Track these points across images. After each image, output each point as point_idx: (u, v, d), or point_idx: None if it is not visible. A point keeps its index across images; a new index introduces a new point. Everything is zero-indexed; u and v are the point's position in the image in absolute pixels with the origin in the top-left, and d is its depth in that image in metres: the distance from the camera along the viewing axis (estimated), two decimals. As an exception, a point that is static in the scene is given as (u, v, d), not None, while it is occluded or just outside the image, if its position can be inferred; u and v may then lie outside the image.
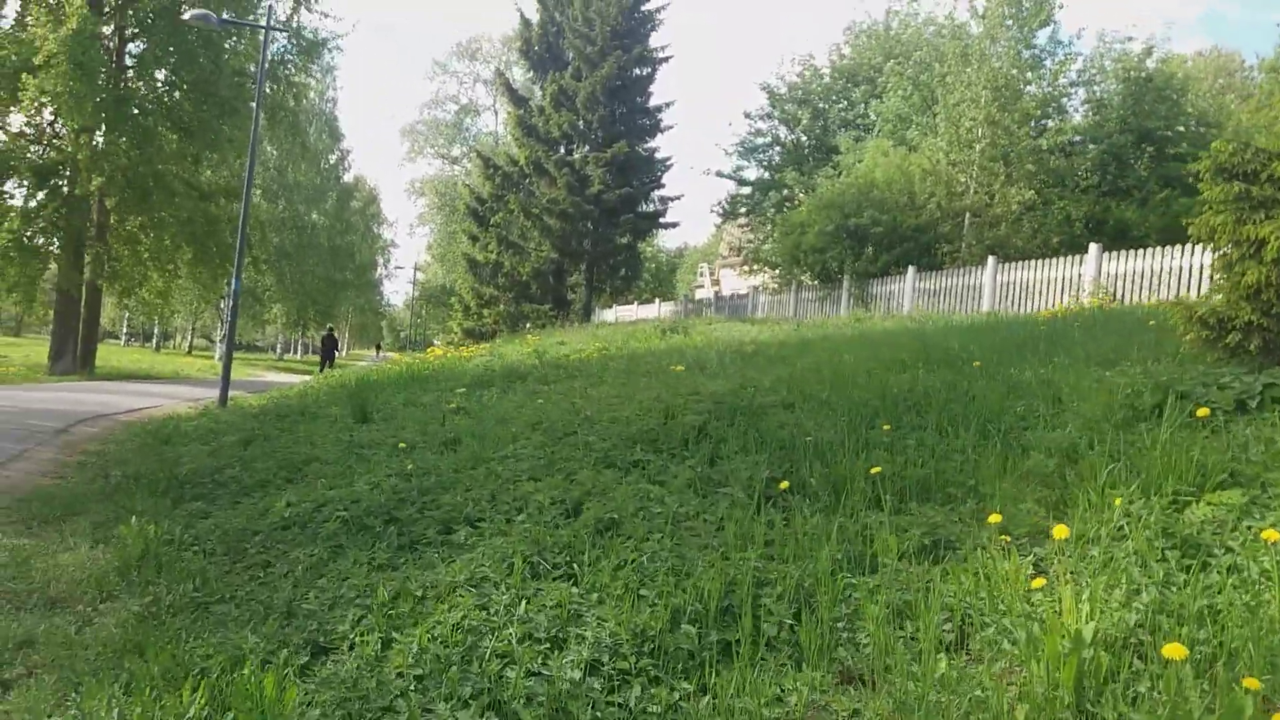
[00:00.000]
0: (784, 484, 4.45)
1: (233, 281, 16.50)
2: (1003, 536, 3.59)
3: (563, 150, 33.01)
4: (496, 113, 62.36)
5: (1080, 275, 16.62)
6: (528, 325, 32.30)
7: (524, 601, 3.39)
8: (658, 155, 33.28)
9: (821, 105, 32.96)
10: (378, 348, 74.17)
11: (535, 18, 34.18)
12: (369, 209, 71.43)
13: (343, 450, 7.62)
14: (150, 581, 4.86)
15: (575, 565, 3.77)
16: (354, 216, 66.56)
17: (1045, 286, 17.37)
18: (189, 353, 60.70)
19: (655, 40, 33.24)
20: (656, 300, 36.49)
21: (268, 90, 31.84)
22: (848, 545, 3.96)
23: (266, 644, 3.62)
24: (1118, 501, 3.60)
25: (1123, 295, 15.52)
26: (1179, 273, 14.65)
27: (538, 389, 9.96)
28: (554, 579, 3.72)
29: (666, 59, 33.12)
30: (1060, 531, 3.23)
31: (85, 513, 6.84)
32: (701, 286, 53.61)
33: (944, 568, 3.65)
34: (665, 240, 62.55)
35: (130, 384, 25.41)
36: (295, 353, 78.08)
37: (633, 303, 37.00)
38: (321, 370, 30.48)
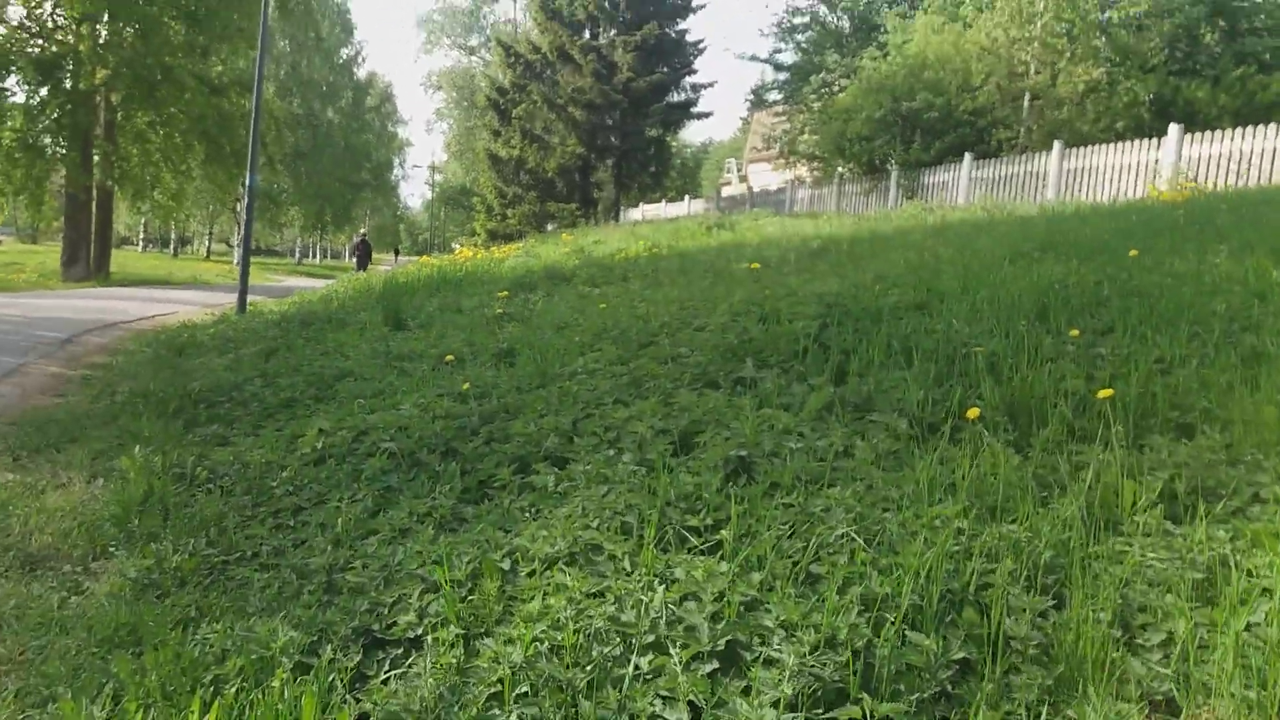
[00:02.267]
0: (974, 411, 3.41)
1: (249, 178, 15.35)
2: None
3: (588, 35, 31.19)
4: None
5: (1158, 160, 15.33)
6: (553, 225, 31.04)
7: (661, 586, 2.41)
8: (689, 38, 31.41)
9: (866, -22, 30.84)
10: (396, 252, 72.93)
11: (556, -111, 31.94)
12: (384, 106, 69.36)
13: (379, 363, 6.64)
14: (153, 533, 3.93)
15: (720, 529, 2.76)
16: (369, 114, 64.69)
17: (1117, 173, 16.16)
18: (207, 258, 59.71)
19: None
20: (686, 198, 34.99)
21: (278, -24, 30.13)
22: (1070, 495, 2.95)
23: (303, 635, 2.67)
24: None
25: (1207, 181, 14.26)
26: (1276, 154, 13.36)
27: (588, 292, 8.90)
28: (691, 550, 2.73)
29: (697, -76, 30.93)
30: None
31: (84, 439, 5.91)
32: (729, 183, 51.77)
33: (1231, 528, 2.63)
34: (689, 135, 60.55)
35: (145, 290, 24.53)
36: (314, 257, 77.02)
37: (661, 201, 35.54)
38: (357, 273, 29.47)
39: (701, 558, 2.61)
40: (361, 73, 64.22)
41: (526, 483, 3.58)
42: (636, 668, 2.15)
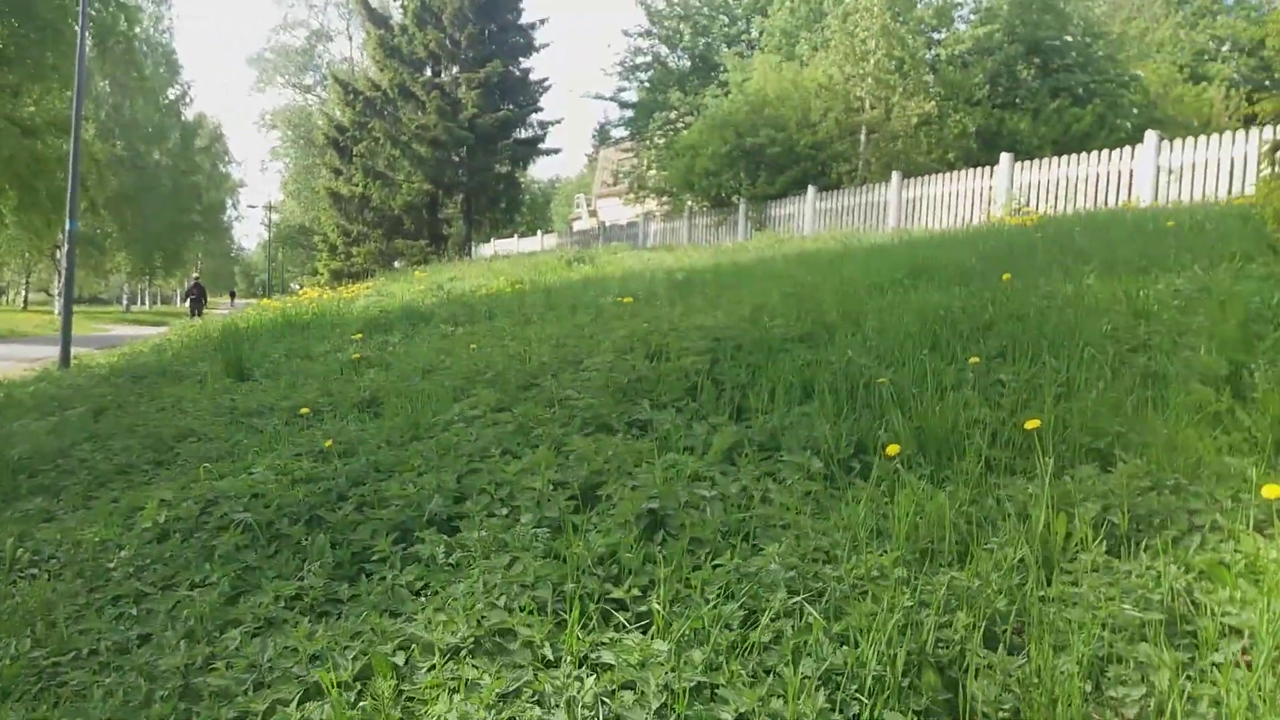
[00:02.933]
0: (894, 448, 3.23)
1: (68, 224, 14.18)
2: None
3: (430, 72, 30.69)
4: (351, 38, 58.79)
5: (992, 187, 16.11)
6: (401, 263, 30.21)
7: (592, 675, 2.09)
8: (533, 76, 31.38)
9: (703, 21, 31.45)
10: (232, 295, 69.82)
11: (391, -73, 31.49)
12: (214, 147, 66.51)
13: (224, 420, 6.04)
14: (-36, 636, 3.32)
15: (647, 598, 2.45)
16: (199, 155, 61.89)
17: (955, 200, 16.94)
18: (24, 308, 55.49)
19: (523, -49, 31.04)
20: (539, 233, 34.76)
21: (94, 11, 28.39)
22: (1008, 534, 2.79)
23: (157, 761, 2.21)
24: None
25: (1037, 206, 15.05)
26: (1098, 179, 14.20)
27: (451, 332, 8.48)
28: (619, 626, 2.40)
29: (537, -29, 31.04)
30: None
31: (-124, 523, 5.10)
32: (579, 218, 51.83)
33: (1178, 561, 2.51)
34: (537, 172, 60.50)
35: (-48, 346, 22.41)
36: (144, 304, 72.84)
37: (513, 236, 35.17)
38: (191, 319, 27.81)
39: (632, 635, 2.29)
40: (189, 113, 61.50)
41: (411, 553, 3.18)
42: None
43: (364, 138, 31.12)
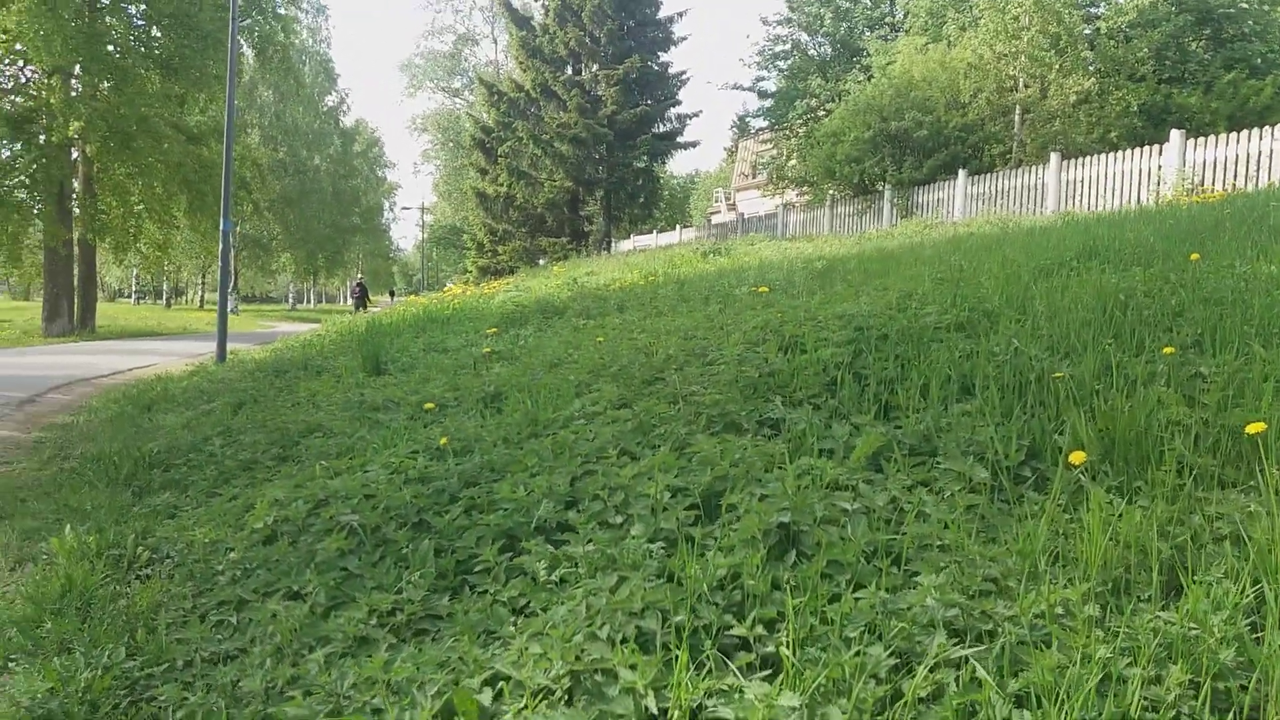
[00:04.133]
0: (1079, 455, 2.72)
1: (222, 223, 14.72)
2: None
3: (570, 70, 30.82)
4: (495, 41, 60.07)
5: (1160, 166, 14.91)
6: (544, 259, 30.50)
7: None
8: (672, 70, 31.05)
9: (844, 4, 30.46)
10: (391, 293, 72.54)
11: (532, -72, 31.79)
12: (371, 151, 69.18)
13: (351, 415, 5.94)
14: (65, 639, 3.21)
15: (773, 634, 2.05)
16: (357, 160, 64.48)
17: (1119, 181, 15.83)
18: (200, 307, 59.03)
19: (662, -56, 30.78)
20: (677, 227, 34.47)
21: (251, 21, 29.78)
22: (1205, 557, 2.26)
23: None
24: None
25: (1212, 186, 13.87)
26: (1288, 154, 12.91)
27: (582, 325, 8.23)
28: (737, 669, 2.02)
29: (676, -37, 30.72)
30: None
31: (19, 514, 5.19)
32: (718, 211, 51.30)
33: None
34: (676, 166, 60.35)
35: (129, 342, 23.88)
36: (309, 302, 76.47)
37: (651, 231, 35.01)
38: (355, 314, 28.99)
39: (754, 683, 1.90)
40: (348, 119, 64.09)
41: (515, 565, 2.87)
42: None
43: (508, 138, 31.52)
